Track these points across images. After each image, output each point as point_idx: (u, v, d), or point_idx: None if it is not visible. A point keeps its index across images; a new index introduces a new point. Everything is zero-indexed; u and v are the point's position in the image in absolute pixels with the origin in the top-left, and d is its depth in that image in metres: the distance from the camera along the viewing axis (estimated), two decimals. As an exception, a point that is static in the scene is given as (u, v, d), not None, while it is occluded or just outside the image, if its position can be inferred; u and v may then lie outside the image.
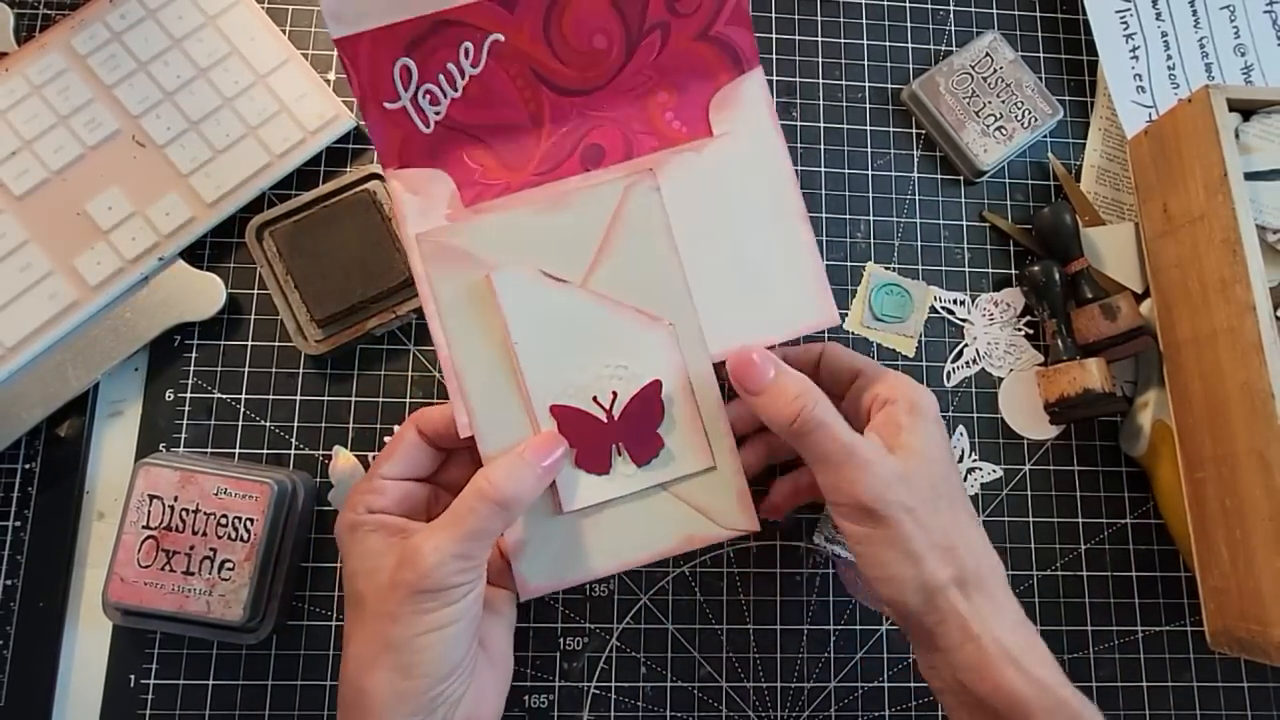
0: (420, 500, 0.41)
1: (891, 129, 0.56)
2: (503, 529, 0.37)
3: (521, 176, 0.40)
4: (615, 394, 0.38)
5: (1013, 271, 0.55)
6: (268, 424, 0.49)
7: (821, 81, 0.56)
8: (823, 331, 0.51)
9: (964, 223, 0.55)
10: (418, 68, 0.38)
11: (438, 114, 0.39)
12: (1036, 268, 0.51)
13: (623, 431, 0.40)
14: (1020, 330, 0.54)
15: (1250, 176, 0.46)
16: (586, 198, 0.40)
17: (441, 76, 0.39)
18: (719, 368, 0.40)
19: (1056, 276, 0.51)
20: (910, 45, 0.57)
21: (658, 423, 0.40)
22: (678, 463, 0.40)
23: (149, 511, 0.43)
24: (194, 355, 0.50)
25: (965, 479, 0.52)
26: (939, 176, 0.56)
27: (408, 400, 0.50)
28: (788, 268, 0.41)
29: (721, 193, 0.41)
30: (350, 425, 0.49)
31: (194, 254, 0.50)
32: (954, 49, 0.57)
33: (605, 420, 0.39)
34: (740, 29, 0.41)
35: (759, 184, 0.41)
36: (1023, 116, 0.55)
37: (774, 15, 0.57)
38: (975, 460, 0.52)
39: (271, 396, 0.49)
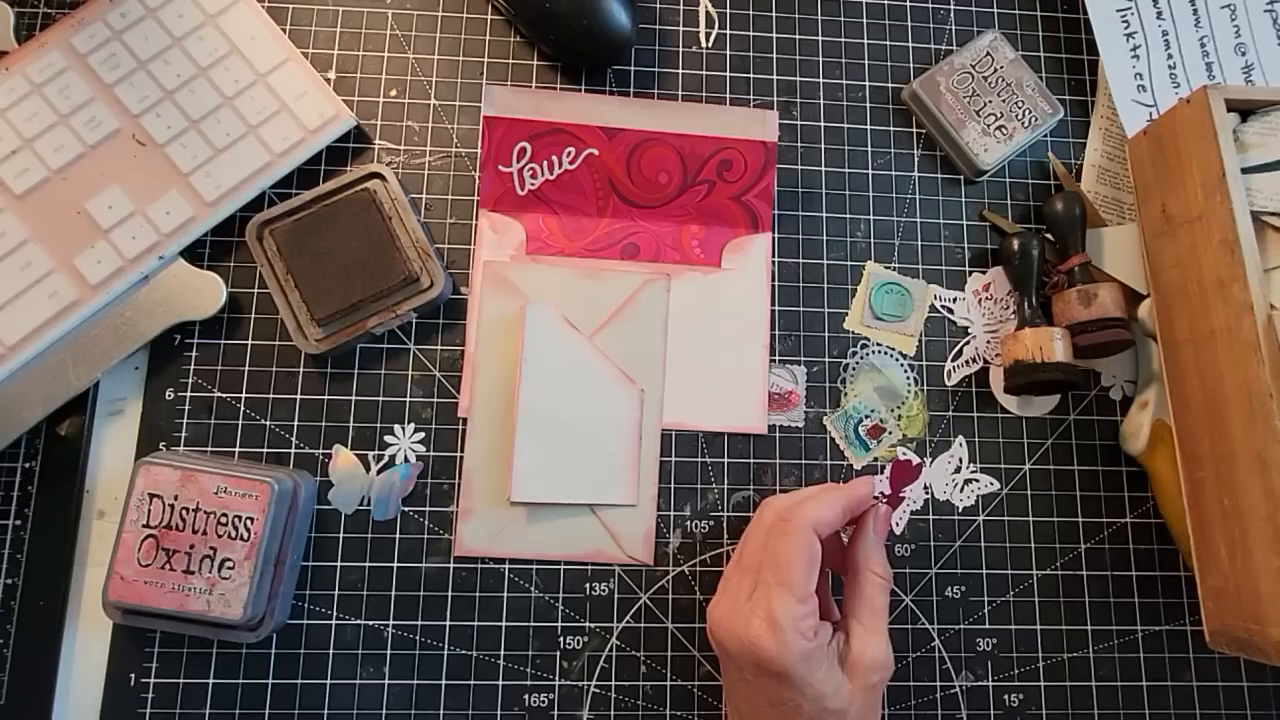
0: None
1: (891, 129, 0.56)
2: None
3: (575, 247, 0.52)
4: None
5: (1013, 271, 0.55)
6: (268, 423, 0.49)
7: (821, 81, 0.56)
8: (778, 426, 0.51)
9: (964, 222, 0.55)
10: (531, 151, 0.52)
11: (533, 185, 0.52)
12: (1016, 241, 0.52)
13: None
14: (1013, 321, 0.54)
15: (1248, 170, 0.46)
16: (615, 277, 0.52)
17: (545, 162, 0.52)
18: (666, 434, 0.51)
19: (1031, 247, 0.51)
20: (910, 45, 0.57)
21: (909, 483, 0.52)
22: (609, 493, 0.49)
23: (149, 510, 0.43)
24: (194, 354, 0.50)
25: (962, 491, 0.52)
26: (939, 176, 0.56)
27: (408, 400, 0.50)
28: (743, 381, 0.52)
29: (714, 310, 0.52)
30: (350, 424, 0.49)
31: (194, 253, 0.50)
32: (954, 48, 0.57)
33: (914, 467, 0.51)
34: (764, 203, 0.53)
35: (743, 314, 0.53)
36: (1023, 116, 0.55)
37: (774, 15, 0.57)
38: (974, 470, 0.52)
39: (271, 395, 0.49)
